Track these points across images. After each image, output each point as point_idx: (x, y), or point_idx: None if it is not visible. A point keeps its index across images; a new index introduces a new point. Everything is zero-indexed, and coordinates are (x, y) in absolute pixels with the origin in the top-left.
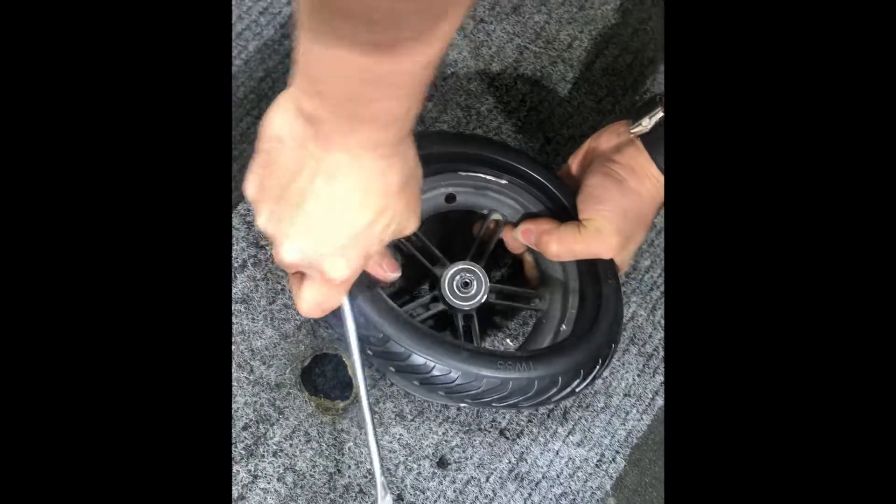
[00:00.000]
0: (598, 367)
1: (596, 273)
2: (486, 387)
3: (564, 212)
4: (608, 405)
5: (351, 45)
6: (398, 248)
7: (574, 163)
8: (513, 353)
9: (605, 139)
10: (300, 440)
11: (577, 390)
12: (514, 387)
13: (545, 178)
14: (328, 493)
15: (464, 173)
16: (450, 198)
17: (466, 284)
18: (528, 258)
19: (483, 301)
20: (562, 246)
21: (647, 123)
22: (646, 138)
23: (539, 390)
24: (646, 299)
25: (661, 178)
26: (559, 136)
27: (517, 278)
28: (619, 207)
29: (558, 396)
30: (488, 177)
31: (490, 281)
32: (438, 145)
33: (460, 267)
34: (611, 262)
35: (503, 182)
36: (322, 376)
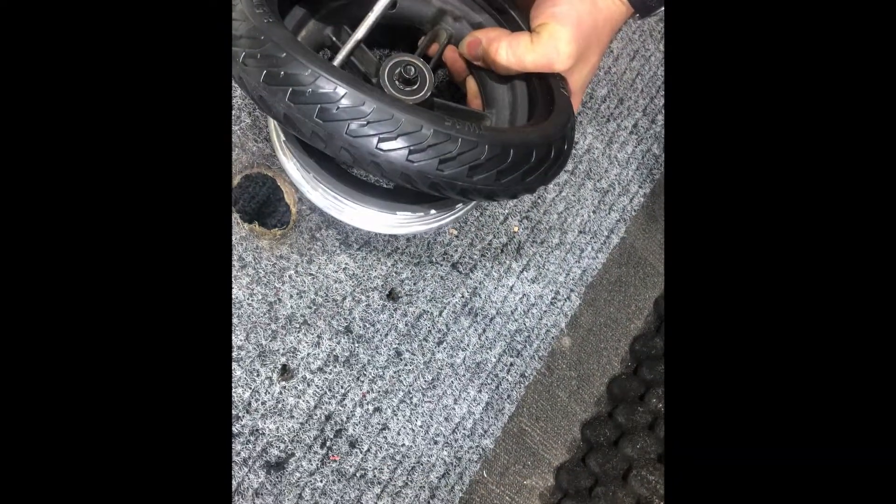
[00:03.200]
0: (551, 156)
1: (549, 89)
2: (428, 142)
3: (516, 27)
4: (563, 241)
5: None
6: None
7: None
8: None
9: None
10: (234, 266)
11: (528, 180)
12: (461, 149)
13: None
14: (269, 324)
15: None
16: (391, 2)
17: (409, 74)
18: (472, 84)
19: (427, 97)
20: (512, 54)
21: None
22: None
23: (484, 161)
24: (602, 131)
25: None
26: None
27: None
28: (575, 13)
29: (506, 178)
30: None
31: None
32: None
33: (402, 58)
34: (563, 79)
35: None
36: (253, 200)
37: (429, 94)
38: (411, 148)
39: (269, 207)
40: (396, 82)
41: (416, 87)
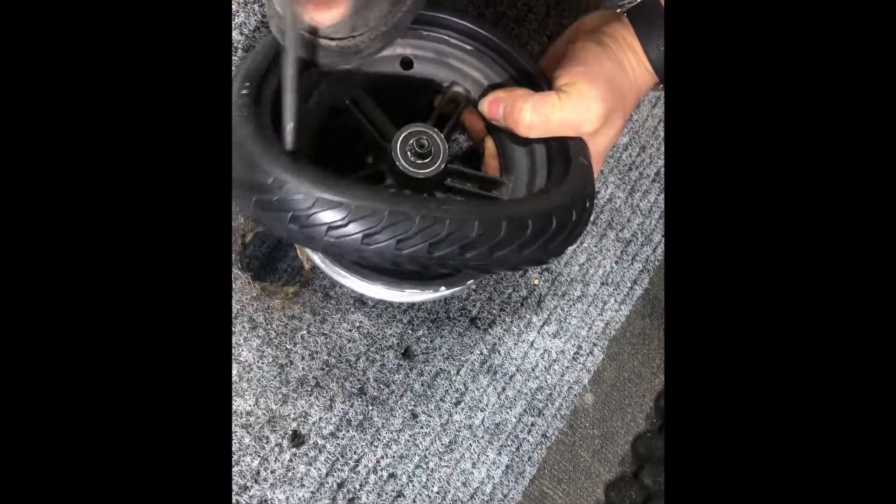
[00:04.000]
0: (552, 228)
1: (567, 153)
2: (415, 228)
3: (535, 88)
4: (585, 294)
5: None
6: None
7: (556, 48)
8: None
9: (590, 19)
10: (244, 327)
11: (525, 253)
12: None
13: (514, 47)
14: (279, 387)
15: (425, 33)
16: (406, 63)
17: (422, 148)
18: (490, 145)
19: (441, 169)
20: (537, 114)
21: None
22: (634, 15)
23: (476, 237)
24: (624, 179)
25: (646, 60)
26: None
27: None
28: (604, 71)
29: (501, 252)
30: (452, 40)
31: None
32: None
33: (415, 129)
34: (584, 144)
35: (468, 48)
36: (265, 258)
37: (442, 166)
38: (399, 238)
39: (278, 262)
40: (409, 155)
41: (429, 160)
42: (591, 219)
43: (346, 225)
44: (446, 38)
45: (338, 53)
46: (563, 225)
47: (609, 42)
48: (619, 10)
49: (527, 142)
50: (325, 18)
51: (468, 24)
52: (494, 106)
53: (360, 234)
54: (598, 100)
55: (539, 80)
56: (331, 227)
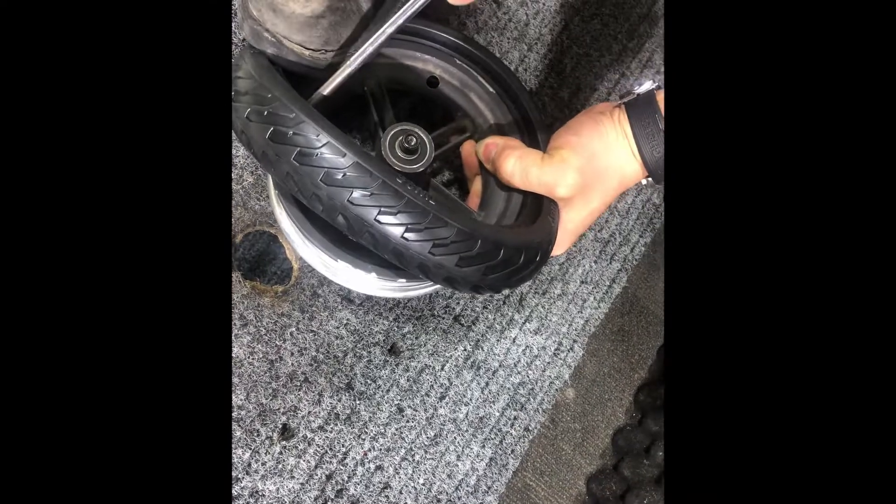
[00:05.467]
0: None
1: (539, 209)
2: (426, 224)
3: (535, 145)
4: (565, 292)
5: None
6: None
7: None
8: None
9: (603, 104)
10: (235, 324)
11: (514, 279)
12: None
13: (526, 96)
14: (269, 383)
15: (458, 62)
16: (432, 81)
17: (410, 144)
18: (477, 185)
19: (420, 171)
20: (520, 165)
21: (637, 90)
22: (631, 107)
23: (476, 254)
24: None
25: (636, 155)
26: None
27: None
28: (590, 147)
29: (496, 274)
30: (479, 77)
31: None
32: (446, 31)
33: (410, 127)
34: (556, 208)
35: (490, 90)
36: (255, 258)
37: (427, 167)
38: (409, 226)
39: (268, 263)
40: (397, 150)
41: (415, 157)
42: None
43: (395, 214)
44: (475, 73)
45: (309, 62)
46: (507, 262)
47: (606, 124)
48: (618, 102)
49: (508, 189)
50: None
51: (497, 69)
52: (489, 149)
53: (403, 227)
54: (576, 170)
55: (538, 130)
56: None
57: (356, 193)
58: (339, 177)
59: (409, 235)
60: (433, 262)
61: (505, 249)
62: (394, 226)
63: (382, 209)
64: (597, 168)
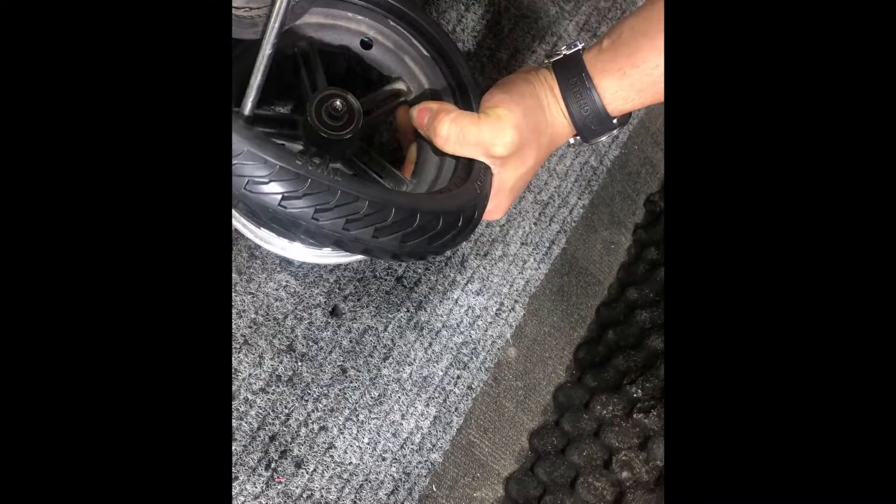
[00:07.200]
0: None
1: (468, 173)
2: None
3: (469, 109)
4: (506, 253)
5: None
6: (287, 59)
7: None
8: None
9: (530, 66)
10: None
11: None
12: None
13: (461, 60)
14: None
15: (392, 23)
16: (366, 44)
17: (336, 111)
18: (412, 153)
19: (347, 138)
20: (455, 127)
21: (564, 51)
22: (558, 67)
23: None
24: None
25: (565, 110)
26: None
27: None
28: (523, 105)
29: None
30: (413, 40)
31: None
32: None
33: (339, 92)
34: (488, 172)
35: (424, 53)
36: None
37: (349, 136)
38: (317, 207)
39: None
40: (323, 115)
41: (342, 122)
42: None
43: (299, 198)
44: (409, 35)
45: (235, 21)
46: (424, 228)
47: (535, 82)
48: (546, 62)
49: (441, 155)
50: None
51: (431, 31)
52: (422, 114)
53: (312, 209)
54: (513, 127)
55: (472, 95)
56: (252, 182)
57: (253, 182)
58: (234, 164)
59: (319, 216)
60: (349, 237)
61: (421, 215)
62: (301, 209)
63: (285, 195)
64: (531, 126)
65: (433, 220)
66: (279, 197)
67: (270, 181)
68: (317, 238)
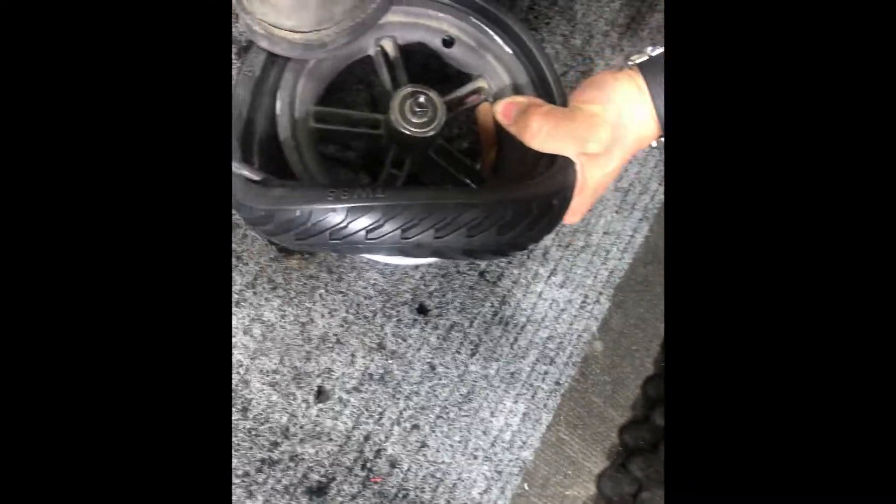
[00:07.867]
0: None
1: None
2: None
3: (549, 94)
4: (588, 244)
5: None
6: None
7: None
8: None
9: (605, 69)
10: (264, 288)
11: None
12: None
13: (544, 56)
14: (302, 346)
15: (474, 20)
16: (448, 42)
17: (420, 107)
18: (492, 153)
19: (430, 135)
20: (548, 121)
21: (650, 51)
22: (645, 67)
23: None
24: None
25: (653, 110)
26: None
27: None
28: (618, 105)
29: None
30: (496, 38)
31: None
32: None
33: (422, 90)
34: (572, 165)
35: (507, 51)
36: None
37: (433, 133)
38: (403, 227)
39: None
40: (407, 112)
41: (426, 120)
42: None
43: (382, 225)
44: (492, 33)
45: (303, 46)
46: (518, 217)
47: (624, 82)
48: (629, 64)
49: (523, 151)
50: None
51: (515, 29)
52: (509, 109)
53: (399, 231)
54: (608, 125)
55: (555, 90)
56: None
57: (330, 232)
58: (310, 225)
59: (407, 234)
60: (444, 245)
61: (511, 205)
62: (388, 234)
63: (369, 228)
64: (622, 125)
65: (524, 208)
66: (327, 235)
67: (315, 223)
68: (414, 254)
